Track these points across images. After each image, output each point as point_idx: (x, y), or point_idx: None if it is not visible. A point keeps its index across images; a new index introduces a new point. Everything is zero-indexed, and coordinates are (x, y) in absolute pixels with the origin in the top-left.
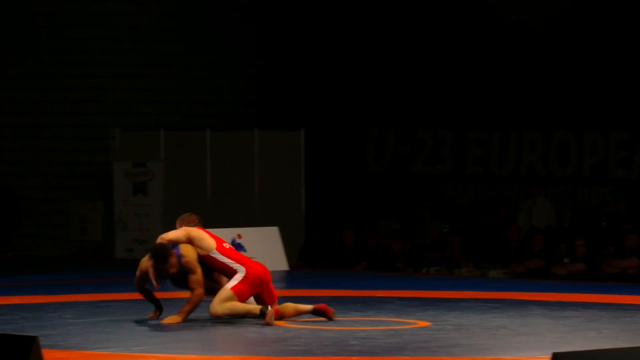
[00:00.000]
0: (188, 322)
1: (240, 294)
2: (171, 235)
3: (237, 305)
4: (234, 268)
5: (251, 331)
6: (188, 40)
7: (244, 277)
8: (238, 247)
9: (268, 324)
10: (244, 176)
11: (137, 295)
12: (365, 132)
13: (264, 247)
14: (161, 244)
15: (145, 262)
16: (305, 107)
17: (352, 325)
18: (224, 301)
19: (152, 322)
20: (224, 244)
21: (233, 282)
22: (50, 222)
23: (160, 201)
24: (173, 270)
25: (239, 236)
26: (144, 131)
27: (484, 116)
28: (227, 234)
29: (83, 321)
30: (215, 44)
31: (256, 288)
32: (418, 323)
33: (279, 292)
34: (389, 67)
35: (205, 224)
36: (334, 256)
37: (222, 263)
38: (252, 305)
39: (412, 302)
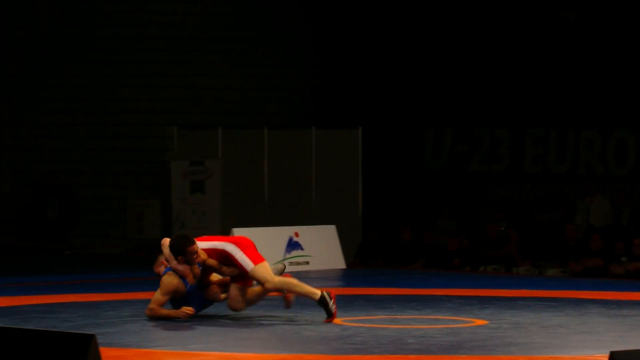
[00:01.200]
0: (246, 320)
1: (260, 258)
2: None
3: (292, 282)
4: (222, 247)
5: (309, 329)
6: (246, 39)
7: (242, 246)
8: (295, 245)
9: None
10: (301, 174)
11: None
12: (423, 130)
13: (321, 246)
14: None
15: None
16: (362, 105)
17: (410, 323)
18: (271, 274)
19: (210, 321)
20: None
21: (245, 257)
22: (107, 220)
23: (218, 199)
24: (201, 253)
25: (296, 234)
26: (201, 129)
27: (542, 114)
28: (284, 232)
29: (140, 319)
30: (274, 42)
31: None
32: (475, 321)
33: (336, 291)
34: (447, 66)
35: (262, 223)
36: (391, 254)
37: (211, 249)
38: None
39: (469, 301)
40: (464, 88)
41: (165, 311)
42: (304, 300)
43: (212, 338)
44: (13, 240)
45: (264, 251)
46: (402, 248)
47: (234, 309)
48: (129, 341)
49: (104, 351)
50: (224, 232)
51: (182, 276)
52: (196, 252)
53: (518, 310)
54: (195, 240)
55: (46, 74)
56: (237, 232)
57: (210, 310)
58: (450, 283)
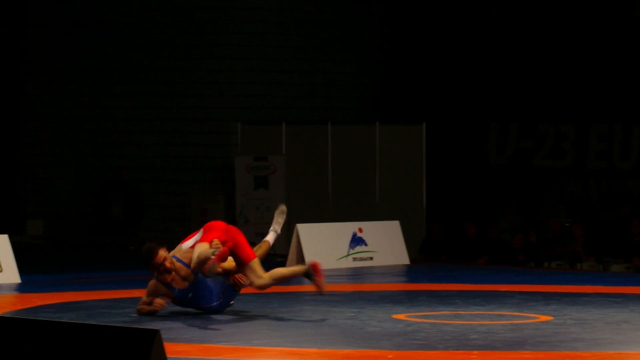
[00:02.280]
0: (309, 315)
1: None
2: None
3: (279, 271)
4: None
5: (372, 325)
6: (310, 35)
7: (203, 232)
8: (359, 241)
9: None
10: (365, 170)
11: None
12: (487, 125)
13: (385, 241)
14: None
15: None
16: (426, 101)
17: (473, 319)
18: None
19: (273, 316)
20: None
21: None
22: (172, 216)
23: (282, 195)
24: (168, 264)
25: (360, 230)
26: (265, 125)
27: (607, 110)
28: (348, 228)
29: (204, 315)
30: (337, 38)
31: (227, 235)
32: (539, 317)
33: (399, 287)
34: (512, 61)
35: (326, 218)
36: (455, 250)
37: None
38: (295, 267)
39: (533, 297)
40: (529, 83)
41: (146, 308)
42: (369, 296)
43: (275, 333)
44: (78, 236)
45: (327, 247)
46: (466, 244)
47: (260, 287)
48: (193, 337)
49: (168, 347)
50: (287, 227)
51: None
52: (161, 262)
53: (582, 306)
54: (163, 248)
55: (111, 70)
56: (301, 228)
57: (273, 305)
58: (515, 279)
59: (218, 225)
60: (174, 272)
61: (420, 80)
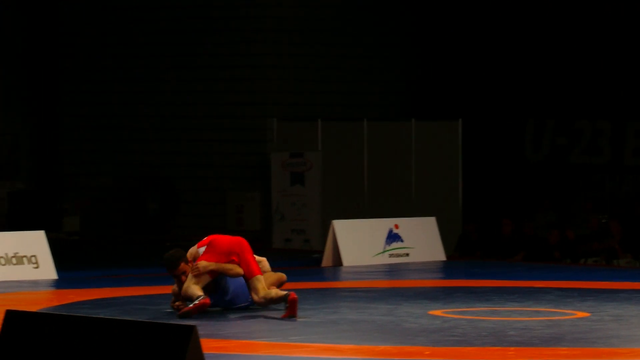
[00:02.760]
0: (346, 312)
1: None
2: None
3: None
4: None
5: (409, 321)
6: (345, 31)
7: (208, 247)
8: (395, 237)
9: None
10: (401, 166)
11: (293, 286)
12: (523, 122)
13: (421, 238)
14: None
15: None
16: (463, 97)
17: (510, 315)
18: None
19: (310, 312)
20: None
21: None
22: (207, 212)
23: (318, 191)
24: (183, 277)
25: (396, 226)
26: (301, 121)
27: None
28: (384, 224)
29: (241, 311)
30: (373, 34)
31: (231, 250)
32: (576, 314)
33: (436, 283)
34: (548, 58)
35: (362, 215)
36: (491, 246)
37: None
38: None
39: (570, 293)
40: (565, 79)
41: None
42: (405, 292)
43: (312, 330)
44: (115, 232)
45: (363, 243)
46: (502, 240)
47: (257, 303)
48: (230, 332)
49: (205, 342)
50: (323, 224)
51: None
52: (180, 274)
53: (619, 302)
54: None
55: (148, 68)
56: (337, 224)
57: (310, 301)
58: (551, 275)
59: (222, 244)
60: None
61: (457, 76)
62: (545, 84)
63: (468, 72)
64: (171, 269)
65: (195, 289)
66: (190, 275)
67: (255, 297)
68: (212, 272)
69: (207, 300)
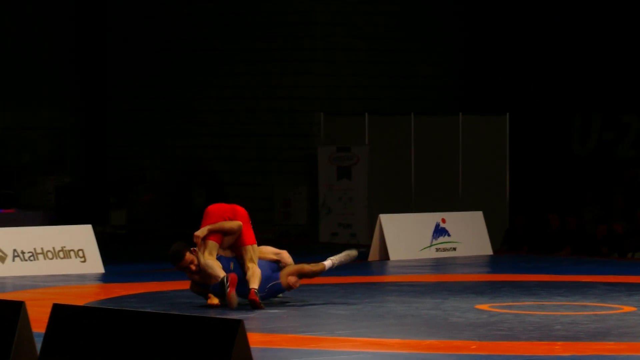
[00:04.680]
0: (392, 306)
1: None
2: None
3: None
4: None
5: (456, 315)
6: (393, 25)
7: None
8: (442, 231)
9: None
10: (448, 160)
11: (340, 280)
12: (571, 116)
13: (468, 232)
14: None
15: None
16: (510, 91)
17: (557, 310)
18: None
19: (356, 307)
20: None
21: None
22: (254, 206)
23: (365, 185)
24: (193, 267)
25: (443, 220)
26: (348, 116)
27: None
28: (431, 218)
29: (287, 305)
30: (420, 28)
31: (218, 218)
32: (623, 308)
33: (482, 277)
34: (596, 51)
35: (409, 209)
36: (538, 241)
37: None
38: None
39: (617, 287)
40: (612, 73)
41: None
42: (452, 286)
43: (358, 324)
44: (161, 226)
45: (410, 237)
46: (549, 234)
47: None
48: (276, 327)
49: (252, 337)
50: (370, 218)
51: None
52: (187, 265)
53: None
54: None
55: (195, 62)
56: (384, 218)
57: (357, 295)
58: (598, 269)
59: (213, 210)
60: (200, 271)
61: (504, 70)
62: (593, 77)
63: (516, 66)
64: (177, 261)
65: (214, 266)
66: (199, 252)
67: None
68: (214, 235)
69: (234, 275)
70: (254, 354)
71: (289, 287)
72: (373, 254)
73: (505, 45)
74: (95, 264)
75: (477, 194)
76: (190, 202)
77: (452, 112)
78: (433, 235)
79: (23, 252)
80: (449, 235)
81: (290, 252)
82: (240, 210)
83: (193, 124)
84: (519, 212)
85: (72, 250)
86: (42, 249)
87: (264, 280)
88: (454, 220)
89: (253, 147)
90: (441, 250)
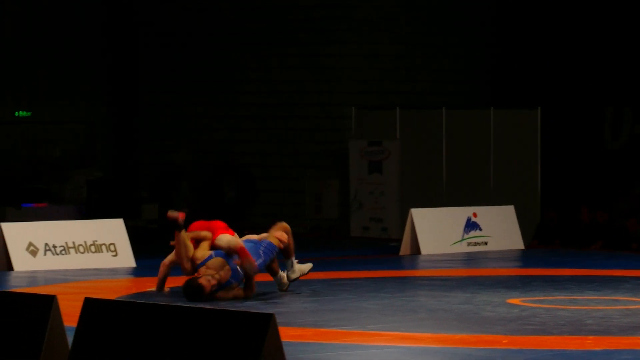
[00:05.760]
0: (423, 300)
1: None
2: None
3: None
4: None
5: (487, 310)
6: (425, 20)
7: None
8: (473, 225)
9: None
10: (480, 154)
11: (371, 274)
12: (602, 110)
13: (500, 226)
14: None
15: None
16: (541, 85)
17: (588, 304)
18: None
19: (387, 301)
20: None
21: None
22: (286, 200)
23: (396, 179)
24: (210, 287)
25: (475, 215)
26: (379, 110)
27: None
28: (463, 212)
29: (319, 299)
30: (452, 22)
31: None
32: None
33: (514, 272)
34: (627, 45)
35: (440, 203)
36: (569, 235)
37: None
38: None
39: None
40: None
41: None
42: (483, 281)
43: (389, 318)
44: (193, 220)
45: (442, 231)
46: (580, 229)
47: None
48: (307, 321)
49: (283, 330)
50: (401, 212)
51: None
52: (210, 291)
53: None
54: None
55: (225, 57)
56: (416, 212)
57: (388, 290)
58: (630, 264)
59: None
60: (218, 280)
61: (536, 64)
62: (625, 71)
63: (547, 60)
64: (203, 295)
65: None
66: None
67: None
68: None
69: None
70: (285, 348)
71: (280, 243)
72: (404, 248)
73: (537, 39)
74: (126, 258)
75: (509, 188)
76: (222, 196)
77: (483, 106)
78: (464, 230)
79: (55, 246)
80: (480, 229)
81: (321, 247)
82: (218, 224)
83: (224, 118)
84: (550, 206)
85: (104, 244)
86: (73, 243)
87: (253, 246)
88: (485, 214)
89: (284, 141)
90: (472, 245)
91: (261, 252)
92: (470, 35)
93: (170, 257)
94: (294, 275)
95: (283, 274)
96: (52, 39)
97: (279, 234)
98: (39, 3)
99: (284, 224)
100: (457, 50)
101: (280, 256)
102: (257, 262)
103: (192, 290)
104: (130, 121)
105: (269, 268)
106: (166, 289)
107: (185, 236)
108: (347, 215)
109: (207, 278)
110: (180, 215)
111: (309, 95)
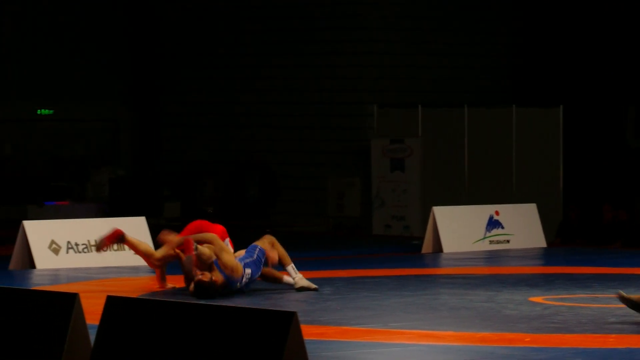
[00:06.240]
0: (446, 298)
1: None
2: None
3: None
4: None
5: (509, 308)
6: (447, 18)
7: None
8: (495, 224)
9: None
10: (502, 153)
11: (393, 272)
12: (624, 108)
13: (522, 224)
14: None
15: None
16: (563, 83)
17: (611, 302)
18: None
19: (410, 299)
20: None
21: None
22: (308, 198)
23: (418, 177)
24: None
25: (497, 213)
26: (401, 108)
27: None
28: (485, 210)
29: (341, 297)
30: (474, 20)
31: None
32: None
33: (536, 270)
34: None
35: (462, 201)
36: (591, 233)
37: None
38: None
39: None
40: None
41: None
42: (505, 279)
43: (411, 316)
44: (215, 218)
45: (464, 229)
46: (602, 227)
47: None
48: (330, 319)
49: (305, 329)
50: (423, 210)
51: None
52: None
53: None
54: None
55: (247, 54)
56: (438, 210)
57: (410, 288)
58: None
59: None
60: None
61: (558, 62)
62: None
63: (570, 58)
64: (213, 290)
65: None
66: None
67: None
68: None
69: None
70: (307, 346)
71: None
72: (426, 246)
73: (559, 37)
74: None
75: (531, 186)
76: (244, 194)
77: (505, 104)
78: (486, 228)
79: (77, 244)
80: (502, 227)
81: (344, 245)
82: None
83: (246, 117)
84: (573, 204)
85: None
86: (95, 241)
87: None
88: (507, 212)
89: (306, 139)
90: (495, 243)
91: (255, 255)
92: (492, 33)
93: (160, 253)
94: (300, 284)
95: (290, 279)
96: (74, 37)
97: (267, 247)
98: (62, 2)
99: (269, 237)
100: (479, 48)
101: (280, 267)
102: (247, 260)
103: (204, 288)
104: (152, 119)
105: (270, 279)
106: (169, 285)
107: (132, 239)
108: (369, 213)
109: (208, 274)
110: (116, 232)
111: (331, 93)
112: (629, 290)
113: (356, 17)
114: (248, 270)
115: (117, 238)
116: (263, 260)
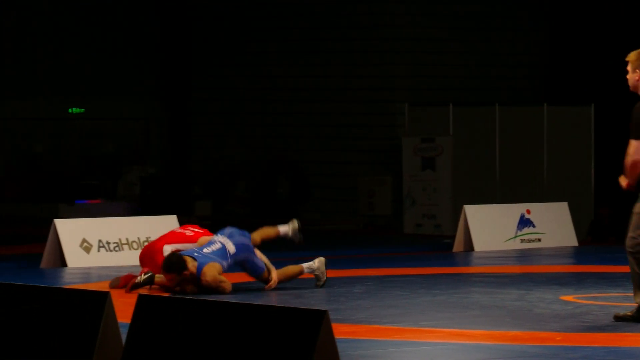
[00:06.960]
0: (476, 297)
1: None
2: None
3: None
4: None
5: (540, 307)
6: (478, 15)
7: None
8: (527, 222)
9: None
10: (533, 151)
11: (426, 270)
12: None
13: (553, 223)
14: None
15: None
16: (595, 82)
17: None
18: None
19: (440, 298)
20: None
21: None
22: (339, 197)
23: (449, 176)
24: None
25: (528, 211)
26: (432, 106)
27: None
28: (516, 209)
29: (372, 296)
30: (505, 18)
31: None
32: None
33: (567, 268)
34: None
35: (494, 200)
36: (623, 232)
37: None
38: None
39: None
40: None
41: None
42: (536, 277)
43: (442, 315)
44: (245, 216)
45: (495, 228)
46: None
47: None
48: (361, 317)
49: (336, 327)
50: (454, 208)
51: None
52: (188, 276)
53: None
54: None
55: (278, 52)
56: (469, 209)
57: (440, 287)
58: None
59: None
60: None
61: (589, 61)
62: None
63: (601, 57)
64: (183, 269)
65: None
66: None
67: None
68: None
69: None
70: (338, 345)
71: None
72: (457, 245)
73: (591, 35)
74: None
75: (562, 185)
76: (274, 192)
77: (537, 102)
78: (518, 226)
79: (108, 243)
80: (533, 226)
81: (375, 244)
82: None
83: (276, 115)
84: (604, 202)
85: None
86: (127, 239)
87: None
88: (538, 211)
89: (337, 137)
90: (526, 241)
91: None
92: (523, 31)
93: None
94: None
95: (284, 228)
96: (105, 35)
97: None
98: (93, 0)
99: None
100: (510, 46)
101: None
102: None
103: (177, 260)
104: (182, 117)
105: (267, 240)
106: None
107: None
108: (400, 212)
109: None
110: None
111: (362, 92)
112: None
113: (387, 15)
114: (232, 248)
115: (150, 283)
116: (248, 242)
